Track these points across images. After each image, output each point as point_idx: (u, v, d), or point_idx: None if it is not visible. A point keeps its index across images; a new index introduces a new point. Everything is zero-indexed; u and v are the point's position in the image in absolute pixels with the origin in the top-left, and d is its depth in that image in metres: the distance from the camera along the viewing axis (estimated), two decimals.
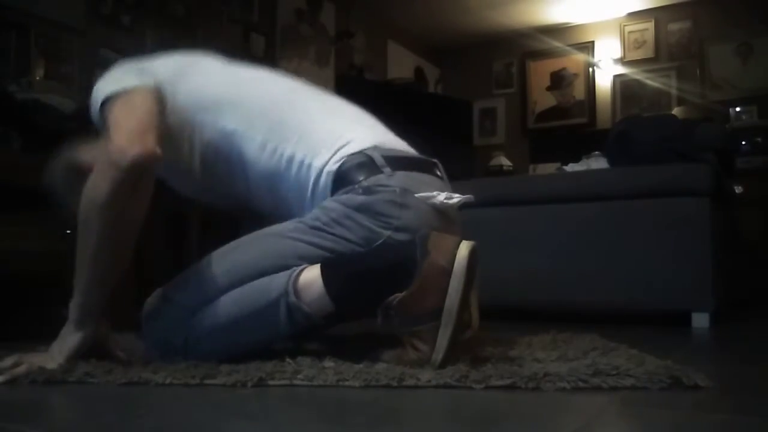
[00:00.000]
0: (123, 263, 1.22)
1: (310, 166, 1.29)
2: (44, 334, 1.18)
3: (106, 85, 1.28)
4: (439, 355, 1.08)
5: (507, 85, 5.72)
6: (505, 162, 4.36)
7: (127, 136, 1.16)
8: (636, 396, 0.94)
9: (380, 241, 1.21)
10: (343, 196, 1.24)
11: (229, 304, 1.20)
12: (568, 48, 5.41)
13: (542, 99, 5.55)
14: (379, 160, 1.26)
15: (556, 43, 5.41)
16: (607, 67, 5.26)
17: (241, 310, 1.19)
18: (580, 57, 5.36)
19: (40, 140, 2.05)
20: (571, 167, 2.70)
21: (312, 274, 1.17)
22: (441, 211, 1.26)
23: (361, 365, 1.11)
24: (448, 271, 1.08)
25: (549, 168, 4.18)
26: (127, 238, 1.20)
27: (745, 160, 3.88)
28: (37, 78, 2.76)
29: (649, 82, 5.07)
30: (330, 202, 1.25)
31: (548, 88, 5.53)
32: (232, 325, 1.19)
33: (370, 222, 1.21)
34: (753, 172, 3.81)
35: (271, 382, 1.04)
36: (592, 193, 2.32)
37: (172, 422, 0.86)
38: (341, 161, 1.27)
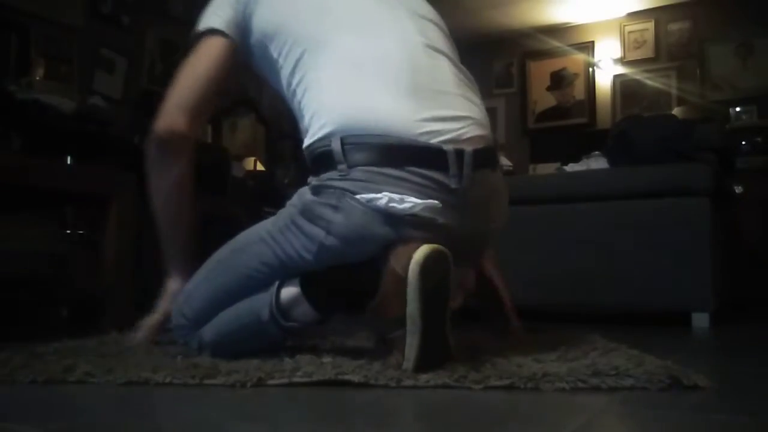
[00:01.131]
0: (180, 220, 1.41)
1: (303, 120, 1.27)
2: (43, 334, 1.18)
3: (203, 16, 1.38)
4: (409, 363, 1.05)
5: (507, 85, 5.72)
6: (505, 162, 4.33)
7: (167, 110, 1.32)
8: (635, 396, 0.94)
9: (316, 248, 1.16)
10: (302, 191, 1.22)
11: (226, 322, 1.26)
12: (568, 48, 5.40)
13: (542, 99, 5.55)
14: (338, 154, 1.15)
15: (556, 43, 5.41)
16: (607, 67, 5.25)
17: (238, 330, 1.25)
18: (580, 57, 5.36)
19: (40, 140, 2.05)
20: (571, 167, 2.70)
21: (292, 293, 1.20)
22: (390, 214, 1.12)
23: (361, 361, 1.11)
24: (403, 279, 1.05)
25: (549, 168, 4.18)
26: (176, 200, 1.38)
27: (745, 160, 3.87)
28: (37, 78, 2.77)
29: (649, 82, 5.07)
30: (295, 197, 1.23)
31: (548, 88, 5.53)
32: (233, 341, 1.25)
33: (309, 226, 1.17)
34: (753, 172, 3.80)
35: (270, 382, 1.04)
36: (592, 193, 2.32)
37: (172, 422, 0.86)
38: (311, 145, 1.22)
